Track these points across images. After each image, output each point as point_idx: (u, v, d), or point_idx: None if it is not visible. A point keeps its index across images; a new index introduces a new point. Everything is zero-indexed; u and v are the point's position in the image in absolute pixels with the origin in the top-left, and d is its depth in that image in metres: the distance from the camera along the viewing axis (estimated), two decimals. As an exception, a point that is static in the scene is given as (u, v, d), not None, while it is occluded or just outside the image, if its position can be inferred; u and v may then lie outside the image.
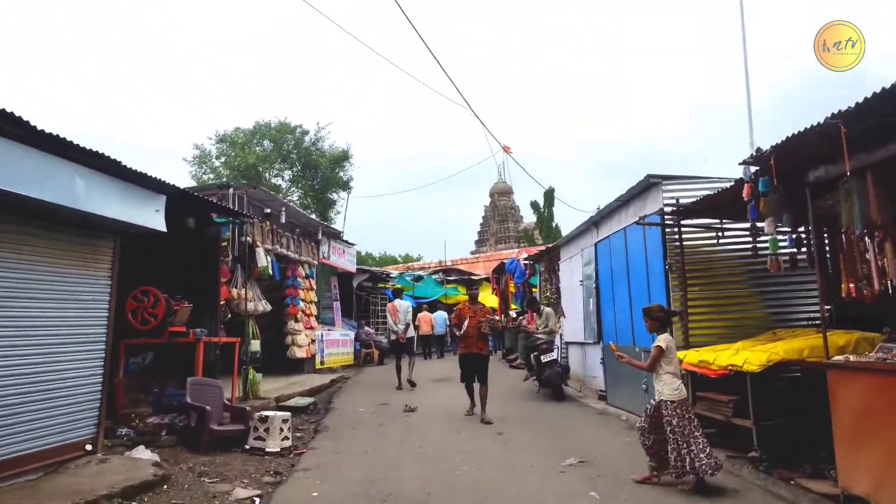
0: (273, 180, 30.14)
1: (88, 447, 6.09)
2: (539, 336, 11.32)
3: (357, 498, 5.28)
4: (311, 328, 14.99)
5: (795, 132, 4.61)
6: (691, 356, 6.90)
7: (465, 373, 9.17)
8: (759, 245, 6.49)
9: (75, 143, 5.25)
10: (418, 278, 27.02)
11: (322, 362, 15.51)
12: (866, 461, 4.48)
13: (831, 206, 5.25)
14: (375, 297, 23.70)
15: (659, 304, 5.88)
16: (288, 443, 7.21)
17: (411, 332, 13.49)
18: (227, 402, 7.92)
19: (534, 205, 40.66)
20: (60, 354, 5.85)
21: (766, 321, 7.64)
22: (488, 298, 20.74)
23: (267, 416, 7.17)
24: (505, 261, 21.67)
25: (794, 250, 5.58)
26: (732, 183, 5.87)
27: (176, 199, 7.12)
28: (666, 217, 7.71)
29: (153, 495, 5.23)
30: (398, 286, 16.55)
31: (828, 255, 5.84)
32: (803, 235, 5.83)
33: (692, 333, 7.54)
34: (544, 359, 10.70)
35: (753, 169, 5.24)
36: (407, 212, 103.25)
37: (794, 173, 5.17)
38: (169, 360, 8.65)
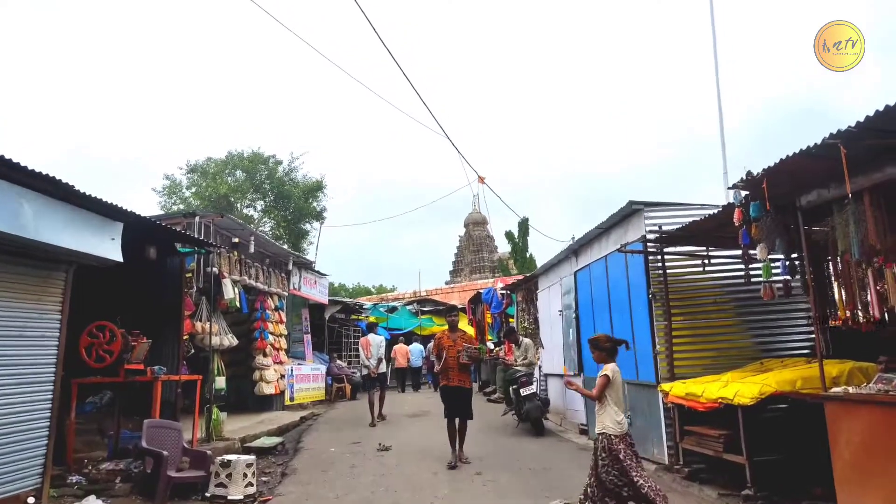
0: (245, 211, 29.72)
1: (31, 500, 5.55)
2: (518, 368, 10.98)
3: (326, 551, 4.83)
4: (281, 363, 14.44)
5: (789, 154, 4.41)
6: (678, 388, 6.63)
7: (448, 408, 8.28)
8: (751, 272, 6.29)
9: (21, 164, 4.84)
10: (392, 309, 26.59)
11: (291, 398, 14.92)
12: (871, 499, 4.21)
13: (823, 232, 5.07)
14: (348, 329, 23.19)
15: (606, 334, 5.61)
16: (252, 489, 6.71)
17: (383, 367, 13.10)
18: (186, 445, 7.39)
19: (508, 235, 40.63)
20: (1, 398, 5.35)
21: (751, 351, 7.44)
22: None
23: (229, 461, 6.67)
24: (481, 290, 21.38)
25: (788, 277, 5.35)
26: (720, 209, 5.67)
27: (136, 228, 6.72)
28: (649, 244, 7.50)
29: (99, 554, 4.73)
30: (372, 319, 16.18)
31: (820, 282, 5.64)
32: (797, 262, 5.62)
33: (677, 364, 7.28)
34: (523, 392, 10.34)
35: (744, 193, 5.03)
36: (381, 242, 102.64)
37: (784, 198, 4.99)
38: (128, 400, 8.16)
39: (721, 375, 6.40)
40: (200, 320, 10.53)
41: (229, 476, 6.58)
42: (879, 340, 5.52)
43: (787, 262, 5.39)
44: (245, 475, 6.66)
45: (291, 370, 15.06)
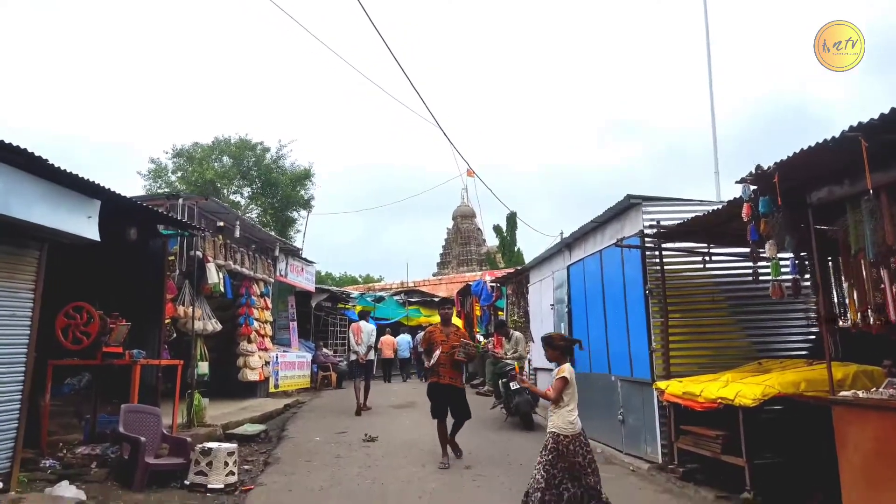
0: (232, 197, 29.26)
1: (-2, 485, 5.29)
2: (507, 361, 10.81)
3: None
4: (266, 349, 14.17)
5: (804, 147, 4.22)
6: (674, 387, 6.47)
7: (435, 406, 7.71)
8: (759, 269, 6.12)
9: (-8, 134, 4.56)
10: (379, 299, 26.39)
11: (276, 386, 14.67)
12: (882, 508, 4.06)
13: (833, 231, 4.90)
14: (335, 318, 22.93)
15: (560, 333, 5.48)
16: (234, 478, 6.48)
17: (372, 356, 12.92)
18: (166, 431, 7.14)
19: (496, 228, 40.57)
20: (-33, 378, 5.09)
21: (748, 350, 7.29)
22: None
23: (210, 449, 6.43)
24: (470, 283, 21.19)
25: (798, 276, 5.17)
26: (724, 204, 5.48)
27: (117, 208, 6.44)
28: (646, 239, 7.31)
29: (69, 545, 4.49)
30: (366, 308, 16.07)
31: (829, 282, 5.47)
32: (806, 261, 5.46)
33: (672, 362, 7.11)
34: (513, 386, 10.16)
35: (752, 188, 4.84)
36: (368, 232, 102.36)
37: (792, 194, 4.80)
38: (107, 383, 7.90)
39: (720, 375, 6.24)
40: (183, 304, 10.25)
41: (210, 464, 6.36)
42: (877, 342, 5.40)
43: (797, 261, 5.21)
44: (226, 463, 6.44)
45: (276, 357, 14.82)
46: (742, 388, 5.41)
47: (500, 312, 17.16)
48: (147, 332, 8.57)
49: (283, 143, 32.21)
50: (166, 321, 9.37)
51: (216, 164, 29.33)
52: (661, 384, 6.74)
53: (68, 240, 5.74)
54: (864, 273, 4.55)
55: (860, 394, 4.42)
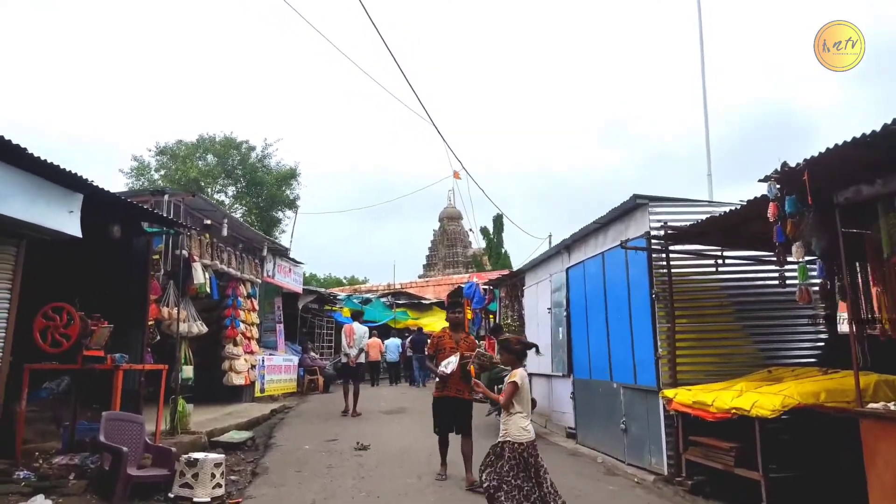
0: (216, 196, 28.73)
1: (-35, 500, 4.91)
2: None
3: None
4: (252, 352, 13.77)
5: (837, 143, 3.99)
6: (683, 395, 6.22)
7: (439, 422, 7.02)
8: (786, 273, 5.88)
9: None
10: (366, 301, 26.01)
11: (262, 390, 14.26)
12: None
13: (862, 234, 4.67)
14: (321, 319, 22.55)
15: (517, 336, 5.39)
16: (220, 491, 6.13)
17: (362, 359, 12.62)
18: (149, 440, 6.77)
19: (483, 231, 40.43)
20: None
21: (755, 357, 7.08)
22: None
23: (196, 460, 6.08)
24: (460, 285, 20.90)
25: (826, 279, 4.94)
26: (743, 203, 5.25)
27: (100, 203, 6.07)
28: (654, 241, 7.07)
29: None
30: (358, 310, 15.80)
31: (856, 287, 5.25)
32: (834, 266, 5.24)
33: (679, 370, 6.88)
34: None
35: (776, 187, 4.60)
36: (354, 234, 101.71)
37: (818, 193, 4.57)
38: (87, 388, 7.50)
39: (732, 383, 6.00)
40: (167, 305, 9.87)
41: (195, 476, 6.01)
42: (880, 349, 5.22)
43: (825, 265, 4.98)
44: (213, 475, 6.10)
45: (263, 360, 14.41)
46: (759, 398, 5.17)
47: (491, 316, 16.88)
48: (130, 334, 8.19)
49: (269, 143, 31.70)
50: (150, 323, 8.98)
51: (200, 162, 28.84)
52: (669, 392, 6.50)
53: (48, 235, 5.39)
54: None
55: (892, 406, 4.19)
